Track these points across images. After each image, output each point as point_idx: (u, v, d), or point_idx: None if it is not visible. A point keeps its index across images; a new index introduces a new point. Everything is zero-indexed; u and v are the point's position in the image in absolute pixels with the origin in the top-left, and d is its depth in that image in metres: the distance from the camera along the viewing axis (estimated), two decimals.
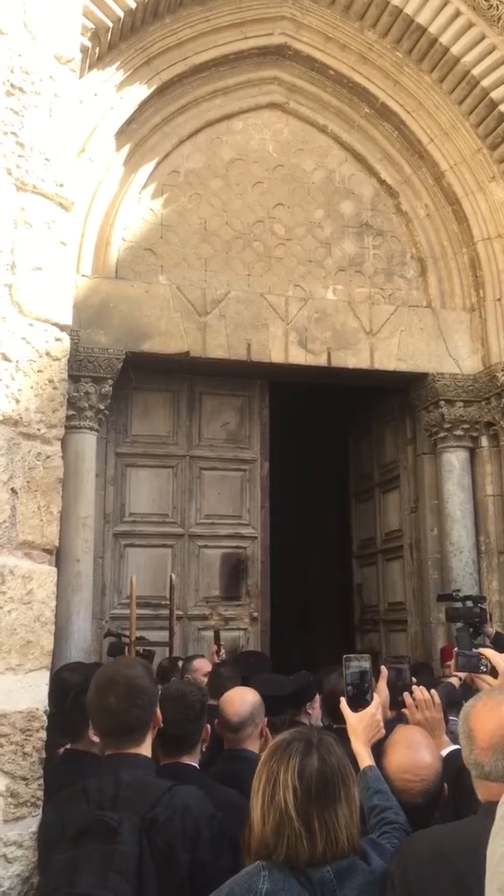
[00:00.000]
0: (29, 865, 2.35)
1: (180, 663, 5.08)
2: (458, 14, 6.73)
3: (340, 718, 2.45)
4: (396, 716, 2.62)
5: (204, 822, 2.10)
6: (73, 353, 5.44)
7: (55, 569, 2.66)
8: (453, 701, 3.09)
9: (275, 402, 7.37)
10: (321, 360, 6.88)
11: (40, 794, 2.44)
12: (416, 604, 7.37)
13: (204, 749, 2.73)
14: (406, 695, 2.63)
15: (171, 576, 6.08)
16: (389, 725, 2.45)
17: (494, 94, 6.84)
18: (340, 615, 8.95)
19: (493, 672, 2.70)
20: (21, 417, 2.58)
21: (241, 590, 6.96)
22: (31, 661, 2.48)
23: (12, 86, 2.68)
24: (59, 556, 4.03)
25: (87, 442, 6.28)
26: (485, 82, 6.86)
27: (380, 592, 8.03)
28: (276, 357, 6.76)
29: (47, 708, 2.53)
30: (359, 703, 2.39)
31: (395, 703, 2.61)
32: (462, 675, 2.97)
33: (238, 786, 2.39)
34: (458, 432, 7.09)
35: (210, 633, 6.07)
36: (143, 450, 6.88)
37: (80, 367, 6.11)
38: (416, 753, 2.24)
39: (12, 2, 2.74)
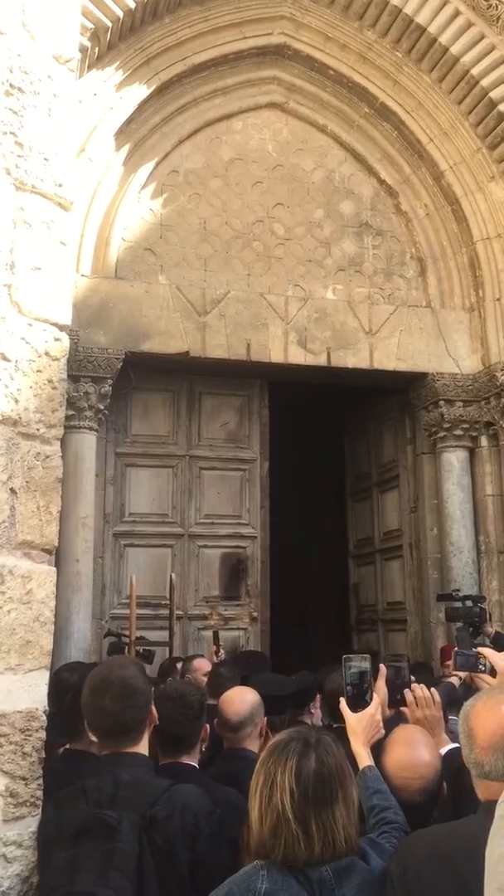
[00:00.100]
0: (28, 865, 2.36)
1: (179, 665, 5.08)
2: (457, 14, 6.73)
3: (340, 718, 2.46)
4: (395, 714, 2.62)
5: (203, 819, 2.11)
6: (72, 352, 5.45)
7: (54, 569, 2.66)
8: (453, 700, 3.09)
9: (274, 402, 7.37)
10: (321, 360, 6.88)
11: (40, 793, 2.44)
12: (416, 603, 7.37)
13: (203, 749, 2.73)
14: (407, 691, 2.64)
15: (170, 576, 6.08)
16: (388, 724, 2.45)
17: (494, 94, 6.84)
18: (340, 615, 8.94)
19: (492, 671, 2.70)
20: (20, 417, 2.58)
21: (241, 589, 6.97)
22: (30, 660, 2.48)
23: (11, 85, 2.69)
24: (58, 556, 4.03)
25: (87, 442, 6.28)
26: (484, 82, 6.86)
27: (378, 592, 8.03)
28: (276, 357, 6.77)
29: (47, 708, 2.53)
30: (358, 703, 2.39)
31: (394, 701, 2.61)
32: (462, 674, 2.97)
33: (237, 785, 2.39)
34: (458, 432, 7.09)
35: (210, 633, 6.08)
36: (143, 450, 6.88)
37: (79, 366, 6.11)
38: (416, 752, 2.24)
39: (11, 2, 2.74)
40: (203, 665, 4.91)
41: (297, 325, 6.86)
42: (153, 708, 2.33)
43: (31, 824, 2.39)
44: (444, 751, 2.54)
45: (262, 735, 2.93)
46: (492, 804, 1.60)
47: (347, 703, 2.39)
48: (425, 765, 2.22)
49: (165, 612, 5.98)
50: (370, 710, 2.36)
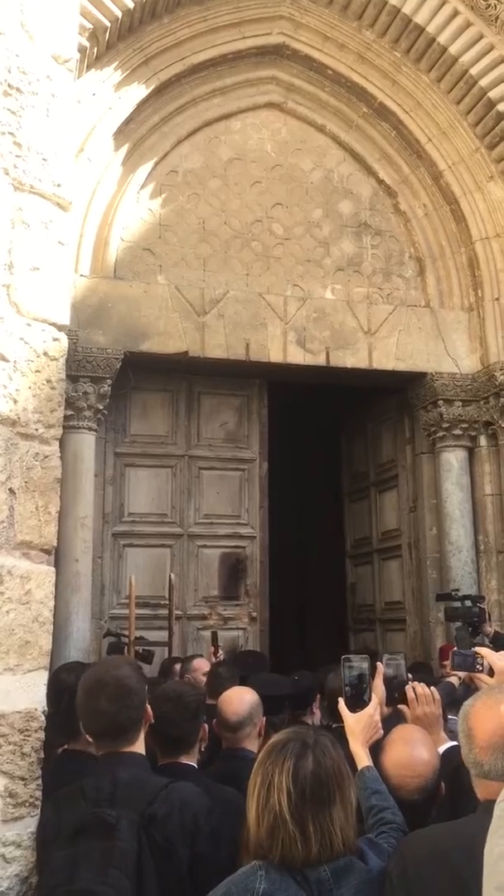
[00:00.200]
0: (27, 865, 2.36)
1: (177, 666, 5.08)
2: (455, 13, 6.73)
3: (339, 718, 2.46)
4: (393, 714, 2.63)
5: (203, 816, 2.12)
6: (71, 353, 5.45)
7: (53, 569, 2.66)
8: (453, 700, 3.09)
9: (273, 402, 7.37)
10: (320, 360, 6.88)
11: (39, 794, 2.44)
12: (415, 603, 7.37)
13: (203, 749, 2.73)
14: (408, 688, 2.64)
15: (169, 576, 6.08)
16: (387, 724, 2.45)
17: (492, 94, 6.84)
18: (340, 614, 8.95)
19: (490, 671, 2.70)
20: (19, 417, 2.58)
21: (240, 589, 6.97)
22: (29, 661, 2.48)
23: (9, 86, 2.69)
24: (57, 556, 4.03)
25: (86, 442, 6.28)
26: (483, 81, 6.85)
27: (375, 592, 8.04)
28: (275, 357, 6.77)
29: (45, 708, 2.53)
30: (357, 703, 2.39)
31: (392, 699, 2.61)
32: (461, 674, 2.97)
33: (236, 785, 2.39)
34: (457, 432, 7.09)
35: (209, 633, 6.07)
36: (142, 450, 6.88)
37: (78, 367, 6.11)
38: (414, 750, 2.24)
39: (9, 2, 2.74)
40: (202, 665, 4.91)
41: (296, 325, 6.86)
42: (148, 707, 2.33)
43: (30, 824, 2.39)
44: (442, 749, 2.54)
45: (260, 735, 2.94)
46: (491, 803, 1.60)
47: (346, 704, 2.40)
48: (424, 763, 2.22)
49: (165, 612, 5.98)
50: (369, 710, 2.37)
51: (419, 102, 7.16)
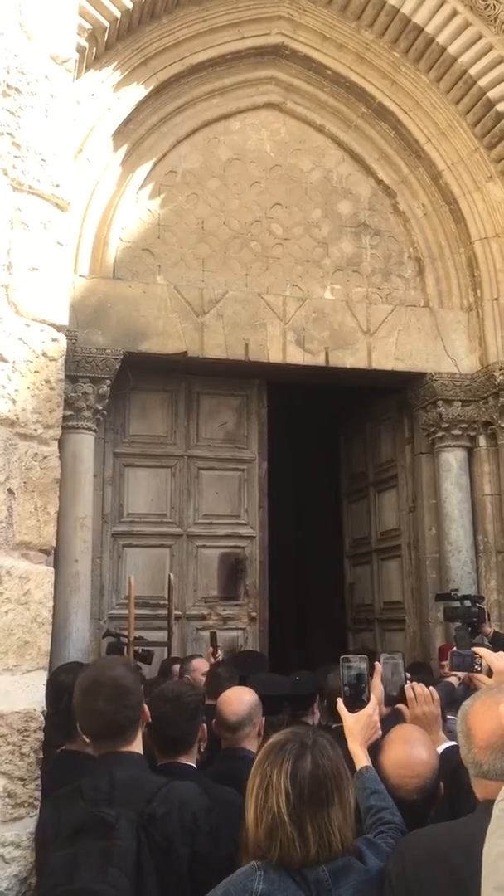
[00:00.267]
0: (26, 866, 2.35)
1: (176, 667, 5.08)
2: (455, 13, 6.73)
3: (339, 718, 2.46)
4: (392, 713, 2.63)
5: (202, 815, 2.12)
6: (70, 353, 5.44)
7: (52, 569, 2.66)
8: (452, 700, 3.09)
9: (273, 402, 7.37)
10: (319, 360, 6.88)
11: (38, 794, 2.44)
12: (415, 603, 7.37)
13: (202, 749, 2.73)
14: (407, 688, 2.64)
15: (169, 576, 6.09)
16: (386, 724, 2.45)
17: (491, 94, 6.84)
18: (339, 614, 8.95)
19: (489, 671, 2.70)
20: (18, 418, 2.58)
21: (240, 590, 6.97)
22: (28, 661, 2.48)
23: (8, 86, 2.69)
24: (57, 556, 4.03)
25: (85, 442, 6.28)
26: (482, 82, 6.85)
27: (374, 592, 8.04)
28: (274, 357, 6.77)
29: (44, 708, 2.53)
30: (355, 703, 2.39)
31: (391, 699, 2.61)
32: (461, 674, 2.97)
33: (236, 785, 2.39)
34: (456, 432, 7.10)
35: (208, 634, 6.08)
36: (141, 450, 6.88)
37: (77, 367, 6.11)
38: (413, 750, 2.25)
39: (8, 2, 2.74)
40: (201, 665, 4.91)
41: (296, 325, 6.86)
42: (145, 706, 2.33)
43: (29, 825, 2.39)
44: (441, 749, 2.54)
45: (260, 735, 2.94)
46: (490, 803, 1.60)
47: (345, 703, 2.40)
48: (422, 763, 2.22)
49: (164, 612, 5.98)
50: (367, 710, 2.37)
51: (418, 102, 7.16)
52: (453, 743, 2.37)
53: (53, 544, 2.67)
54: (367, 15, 6.96)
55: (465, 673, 2.84)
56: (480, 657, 2.75)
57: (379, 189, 7.43)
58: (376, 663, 2.64)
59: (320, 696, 3.84)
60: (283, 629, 9.26)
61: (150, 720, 2.37)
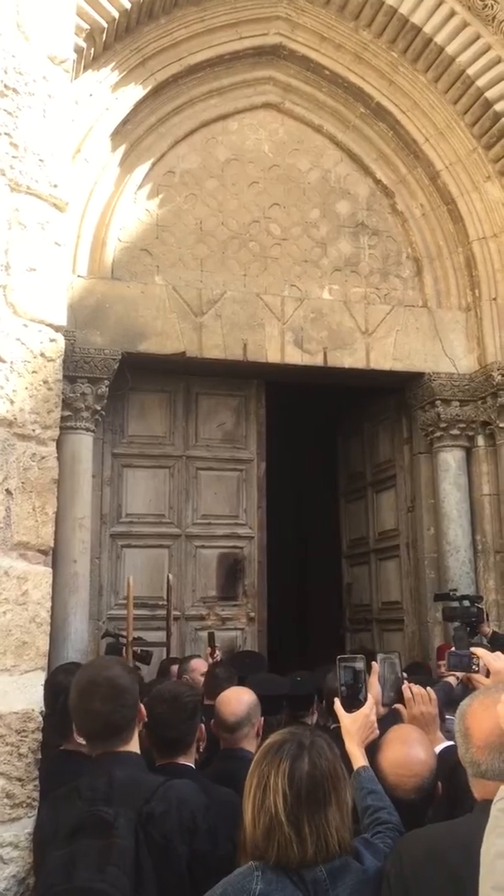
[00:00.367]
0: (25, 866, 2.36)
1: (174, 667, 5.08)
2: (452, 14, 6.74)
3: (337, 718, 2.46)
4: (390, 713, 2.63)
5: (200, 814, 2.12)
6: (69, 353, 5.44)
7: (50, 570, 2.66)
8: (451, 700, 3.09)
9: (271, 402, 7.37)
10: (317, 360, 6.88)
11: (36, 795, 2.44)
12: (413, 603, 7.38)
13: (201, 749, 2.73)
14: (404, 688, 2.65)
15: (167, 576, 6.09)
16: (383, 723, 2.45)
17: (489, 94, 6.85)
18: (338, 614, 8.96)
19: (487, 672, 2.70)
20: (15, 418, 2.58)
21: (238, 590, 6.97)
22: (26, 661, 2.48)
23: (6, 86, 2.69)
24: (55, 557, 4.03)
25: (84, 443, 6.27)
26: (480, 82, 6.86)
27: (372, 592, 8.04)
28: (273, 357, 6.77)
29: (43, 709, 2.53)
30: (352, 703, 2.40)
31: (388, 698, 2.62)
32: (459, 674, 2.97)
33: (234, 785, 2.39)
34: (455, 432, 7.10)
35: (207, 634, 6.08)
36: (140, 450, 6.88)
37: (76, 367, 6.10)
38: (411, 749, 2.25)
39: (5, 2, 2.74)
40: (200, 665, 4.91)
41: (294, 326, 6.86)
42: (141, 706, 2.33)
43: (27, 825, 2.39)
44: (439, 748, 2.55)
45: (258, 735, 2.94)
46: (487, 803, 1.61)
47: (342, 704, 2.40)
48: (420, 763, 2.23)
49: (163, 612, 5.98)
50: (364, 710, 2.37)
51: (416, 102, 7.16)
52: (451, 743, 2.37)
53: (52, 545, 2.68)
54: (365, 15, 6.97)
55: (463, 673, 2.85)
56: (477, 657, 2.75)
57: (377, 189, 7.43)
58: (373, 663, 2.64)
59: (319, 696, 3.85)
60: (282, 629, 9.25)
61: (146, 719, 2.37)
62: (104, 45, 6.22)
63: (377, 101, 7.20)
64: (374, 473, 8.13)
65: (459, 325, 7.25)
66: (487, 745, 1.87)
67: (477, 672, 2.72)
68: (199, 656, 5.52)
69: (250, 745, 2.90)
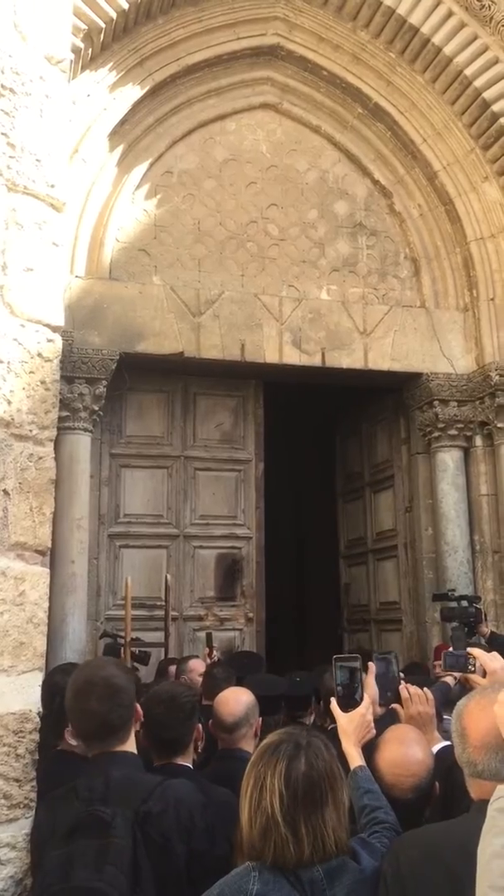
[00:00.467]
0: (22, 867, 2.35)
1: (172, 668, 5.08)
2: (450, 14, 6.75)
3: (334, 718, 2.46)
4: (387, 713, 2.63)
5: (198, 813, 2.12)
6: (67, 353, 5.44)
7: (48, 570, 2.66)
8: (448, 700, 3.10)
9: (269, 403, 7.37)
10: (315, 361, 6.88)
11: (33, 795, 2.44)
12: (412, 603, 7.38)
13: (199, 750, 2.73)
14: (402, 688, 2.65)
15: (165, 577, 6.09)
16: (381, 723, 2.45)
17: (487, 95, 6.85)
18: (336, 615, 8.96)
19: (483, 672, 2.70)
20: (13, 419, 2.58)
21: (236, 590, 6.96)
22: (23, 662, 2.48)
23: (3, 87, 2.69)
24: (53, 557, 4.03)
25: (82, 443, 6.27)
26: (477, 82, 6.87)
27: (370, 592, 8.04)
28: (271, 357, 6.77)
29: (40, 709, 2.53)
30: (349, 703, 2.40)
31: (385, 698, 2.62)
32: (457, 674, 2.97)
33: (232, 786, 2.39)
34: (453, 432, 7.10)
35: (205, 634, 6.08)
36: (138, 451, 6.87)
37: (74, 367, 6.10)
38: (408, 749, 2.25)
39: (2, 3, 2.74)
40: (198, 666, 4.91)
41: (292, 326, 6.86)
42: (137, 705, 2.33)
43: (24, 826, 2.39)
44: (436, 749, 2.55)
45: (257, 735, 2.94)
46: (484, 803, 1.60)
47: (338, 703, 2.40)
48: (418, 762, 2.23)
49: (161, 613, 5.98)
50: (361, 709, 2.37)
51: (414, 103, 7.17)
52: (448, 743, 2.37)
53: (49, 545, 2.68)
54: (362, 16, 6.97)
55: (460, 673, 2.84)
56: (474, 657, 2.75)
57: (375, 189, 7.43)
58: (370, 663, 2.64)
59: (317, 696, 3.85)
60: (281, 630, 9.25)
61: (142, 719, 2.37)
62: (102, 45, 6.22)
63: (375, 101, 7.21)
64: (373, 474, 8.13)
65: (457, 325, 7.26)
66: (484, 745, 1.87)
67: (473, 672, 2.72)
68: (197, 657, 5.52)
69: (248, 745, 2.90)
